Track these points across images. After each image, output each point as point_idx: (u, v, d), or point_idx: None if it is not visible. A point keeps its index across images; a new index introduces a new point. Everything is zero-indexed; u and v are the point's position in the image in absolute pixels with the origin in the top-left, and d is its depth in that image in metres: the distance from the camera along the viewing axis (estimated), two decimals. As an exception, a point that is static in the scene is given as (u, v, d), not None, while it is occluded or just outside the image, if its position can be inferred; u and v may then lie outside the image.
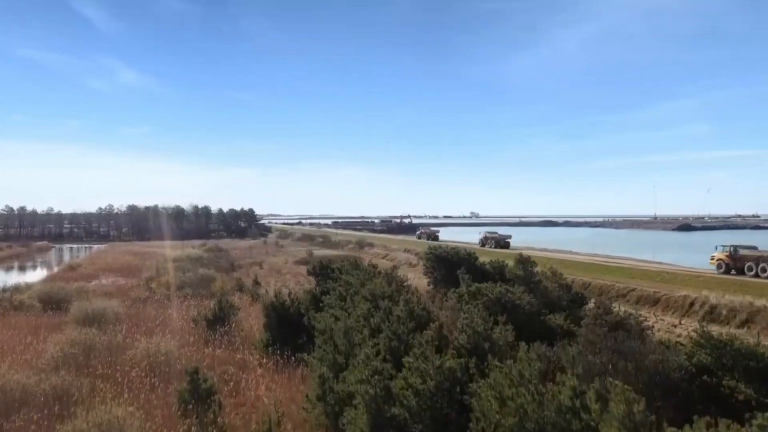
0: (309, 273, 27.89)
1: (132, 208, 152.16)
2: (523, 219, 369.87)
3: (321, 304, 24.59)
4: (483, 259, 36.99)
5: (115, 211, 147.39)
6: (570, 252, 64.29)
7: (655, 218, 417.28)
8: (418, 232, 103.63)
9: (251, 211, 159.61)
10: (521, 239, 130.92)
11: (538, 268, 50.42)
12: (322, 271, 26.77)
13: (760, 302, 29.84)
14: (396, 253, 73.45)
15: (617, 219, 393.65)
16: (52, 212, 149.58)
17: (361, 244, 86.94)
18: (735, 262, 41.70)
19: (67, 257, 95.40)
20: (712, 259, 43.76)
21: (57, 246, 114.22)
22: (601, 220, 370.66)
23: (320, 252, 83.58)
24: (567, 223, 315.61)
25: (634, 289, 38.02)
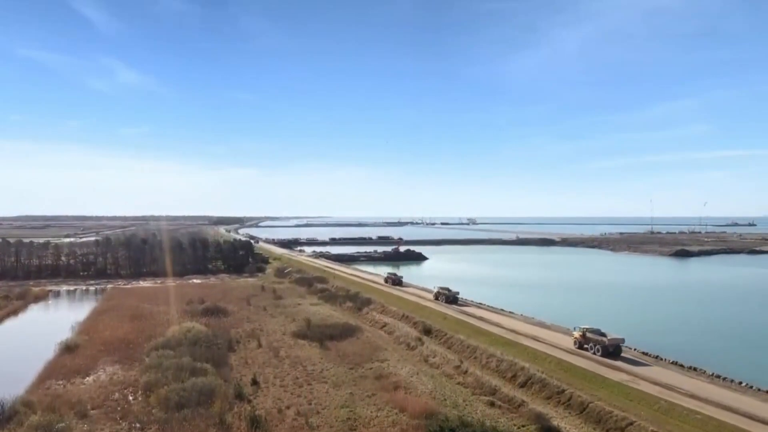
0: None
1: (130, 239, 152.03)
2: (520, 235, 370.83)
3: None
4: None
5: (113, 242, 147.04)
6: (567, 331, 64.24)
7: (652, 233, 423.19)
8: (385, 276, 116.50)
9: (248, 242, 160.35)
10: (516, 278, 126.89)
11: (534, 368, 50.48)
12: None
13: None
14: (395, 323, 73.47)
15: (614, 234, 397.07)
16: (50, 243, 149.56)
17: (359, 303, 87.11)
18: (585, 341, 55.41)
19: (64, 308, 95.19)
20: (573, 336, 57.71)
21: (54, 289, 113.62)
22: (599, 236, 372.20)
23: (318, 311, 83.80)
24: (565, 242, 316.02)
25: (632, 423, 38.07)
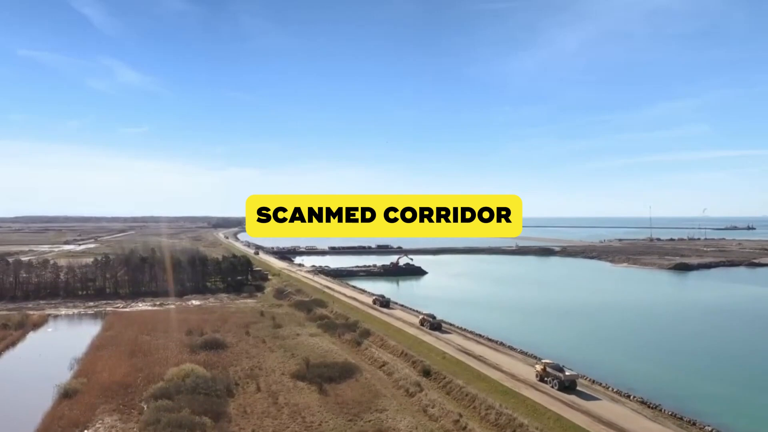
0: None
1: (129, 257, 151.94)
2: (519, 242, 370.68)
3: None
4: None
5: (112, 261, 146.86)
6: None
7: (652, 239, 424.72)
8: (373, 298, 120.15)
9: (247, 260, 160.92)
10: (514, 299, 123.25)
11: (534, 426, 50.40)
12: None
13: None
14: (394, 362, 73.35)
15: (613, 241, 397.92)
16: (49, 262, 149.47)
17: (359, 335, 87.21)
18: (545, 375, 59.97)
19: (63, 336, 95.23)
20: (535, 369, 62.37)
21: (53, 313, 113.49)
22: (598, 244, 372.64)
23: (317, 344, 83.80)
24: (564, 251, 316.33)
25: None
